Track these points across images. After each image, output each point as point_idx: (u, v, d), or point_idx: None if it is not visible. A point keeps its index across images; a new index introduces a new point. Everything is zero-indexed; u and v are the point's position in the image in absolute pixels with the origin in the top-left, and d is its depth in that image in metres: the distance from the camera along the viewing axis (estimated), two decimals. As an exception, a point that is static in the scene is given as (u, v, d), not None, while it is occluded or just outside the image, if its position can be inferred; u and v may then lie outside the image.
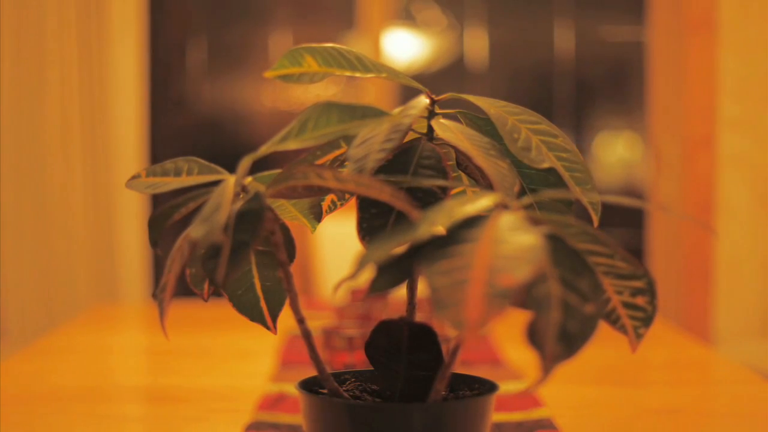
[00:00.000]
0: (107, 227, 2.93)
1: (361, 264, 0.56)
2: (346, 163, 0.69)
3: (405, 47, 3.34)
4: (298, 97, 3.31)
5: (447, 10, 3.34)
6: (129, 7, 2.93)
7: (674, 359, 1.40)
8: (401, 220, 0.63)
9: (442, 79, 3.35)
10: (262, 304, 0.72)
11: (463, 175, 0.74)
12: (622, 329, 0.64)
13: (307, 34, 3.32)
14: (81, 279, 2.90)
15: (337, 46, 0.72)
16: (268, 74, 0.71)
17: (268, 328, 0.73)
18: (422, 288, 0.68)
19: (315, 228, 0.75)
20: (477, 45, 3.31)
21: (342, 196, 0.73)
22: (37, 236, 2.88)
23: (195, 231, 0.59)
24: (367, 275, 0.58)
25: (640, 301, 0.62)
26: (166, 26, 3.25)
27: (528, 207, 0.69)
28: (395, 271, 0.57)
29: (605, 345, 1.05)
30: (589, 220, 0.68)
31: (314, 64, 0.71)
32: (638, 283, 0.62)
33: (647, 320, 0.64)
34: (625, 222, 3.30)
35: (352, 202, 0.67)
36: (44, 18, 2.86)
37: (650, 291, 0.62)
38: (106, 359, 1.45)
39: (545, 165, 0.66)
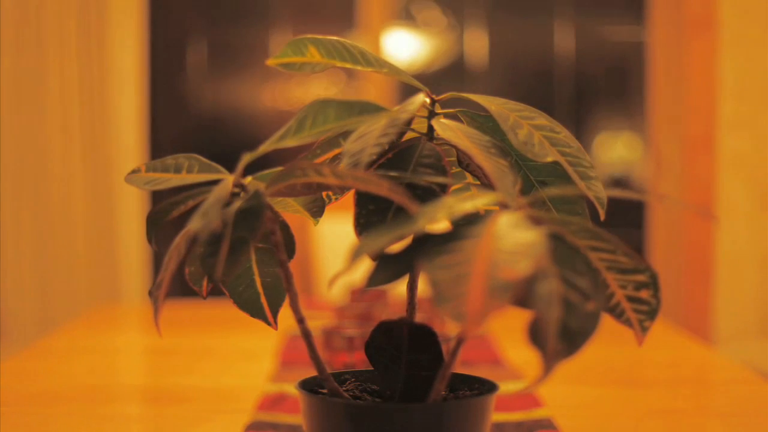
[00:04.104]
0: (107, 228, 2.93)
1: (355, 255, 0.56)
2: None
3: (405, 47, 3.34)
4: (298, 96, 3.31)
5: (447, 10, 3.34)
6: (129, 7, 2.93)
7: (674, 359, 1.40)
8: (399, 216, 0.63)
9: (442, 79, 3.35)
10: (263, 300, 0.72)
11: (467, 174, 0.73)
12: (627, 323, 0.64)
13: (307, 33, 3.31)
14: (81, 279, 2.90)
15: (341, 39, 0.72)
16: (271, 62, 0.71)
17: (269, 323, 0.73)
18: (422, 288, 0.68)
19: (317, 221, 0.74)
20: (477, 45, 3.31)
21: (339, 191, 0.73)
22: (37, 236, 2.88)
23: (194, 224, 0.59)
24: (367, 271, 0.58)
25: (644, 294, 0.62)
26: (166, 26, 3.25)
27: (536, 202, 0.69)
28: (394, 266, 0.57)
29: (605, 345, 1.04)
30: (594, 215, 0.68)
31: (317, 54, 0.71)
32: (641, 277, 0.62)
33: (652, 313, 0.64)
34: (626, 222, 3.30)
35: (351, 199, 0.67)
36: (44, 18, 2.86)
37: (653, 284, 0.62)
38: (106, 359, 1.45)
39: (549, 159, 0.66)
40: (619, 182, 3.44)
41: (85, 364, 1.37)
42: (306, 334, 0.69)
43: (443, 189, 0.65)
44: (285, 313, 0.72)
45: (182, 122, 3.30)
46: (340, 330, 1.19)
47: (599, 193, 0.67)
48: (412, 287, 0.72)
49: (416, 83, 0.71)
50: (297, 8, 3.35)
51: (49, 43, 2.86)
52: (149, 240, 0.70)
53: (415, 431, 0.65)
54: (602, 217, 0.68)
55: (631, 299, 0.63)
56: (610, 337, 1.03)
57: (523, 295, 0.52)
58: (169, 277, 0.63)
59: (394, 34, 3.26)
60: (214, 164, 0.70)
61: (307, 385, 0.72)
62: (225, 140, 3.30)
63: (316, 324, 1.19)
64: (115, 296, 2.93)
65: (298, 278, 2.21)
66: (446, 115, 0.70)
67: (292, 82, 3.30)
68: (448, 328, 1.33)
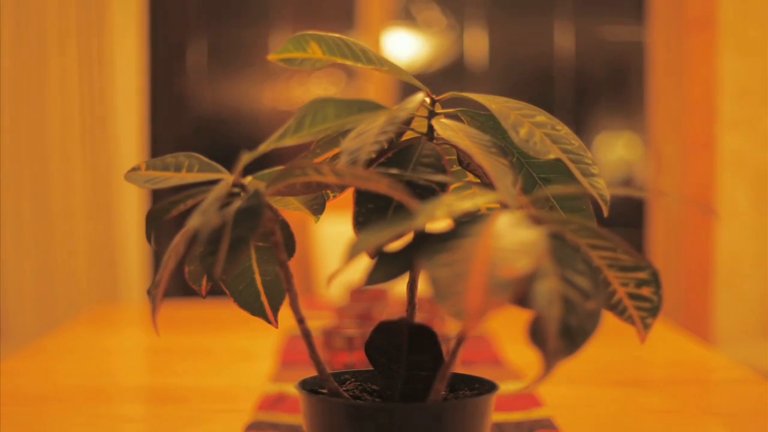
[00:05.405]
0: (107, 228, 2.92)
1: (353, 251, 0.55)
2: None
3: (405, 47, 3.34)
4: (298, 96, 3.31)
5: (447, 10, 3.34)
6: (129, 7, 2.93)
7: (674, 359, 1.40)
8: (399, 214, 0.63)
9: (442, 79, 3.35)
10: (263, 298, 0.72)
11: (468, 173, 0.73)
12: (630, 320, 0.65)
13: (307, 34, 3.31)
14: (81, 279, 2.90)
15: (343, 36, 0.72)
16: (272, 57, 0.71)
17: (269, 321, 0.73)
18: (423, 287, 0.67)
19: (318, 218, 0.74)
20: (477, 45, 3.30)
21: (339, 189, 0.72)
22: (37, 236, 2.88)
23: (194, 221, 0.59)
24: (366, 269, 0.58)
25: (645, 291, 0.63)
26: (166, 26, 3.25)
27: (539, 199, 0.69)
28: (393, 264, 0.57)
29: (605, 345, 1.04)
30: (597, 212, 0.68)
31: (318, 51, 0.71)
32: (642, 275, 0.62)
33: (654, 310, 0.64)
34: (626, 222, 3.30)
35: (351, 198, 0.67)
36: (44, 18, 2.86)
37: (655, 281, 0.62)
38: (106, 359, 1.45)
39: (551, 156, 0.66)
40: (627, 183, 3.44)
41: (84, 363, 1.37)
42: (306, 334, 0.69)
43: (443, 188, 0.65)
44: (285, 313, 0.72)
45: (182, 122, 3.30)
46: (340, 330, 1.19)
47: (602, 190, 0.67)
48: (412, 287, 0.71)
49: (416, 82, 0.71)
50: (297, 8, 3.34)
51: (49, 44, 2.86)
52: (148, 239, 0.70)
53: (415, 431, 0.65)
54: (606, 213, 0.68)
55: (633, 296, 0.63)
56: (610, 337, 1.03)
57: (523, 294, 0.52)
58: (167, 276, 0.63)
59: (394, 34, 3.26)
60: (213, 163, 0.70)
61: (307, 385, 0.71)
62: (225, 140, 3.30)
63: (316, 324, 1.19)
64: (115, 295, 2.92)
65: (298, 278, 2.21)
66: (446, 115, 0.70)
67: (292, 82, 3.30)
68: (448, 328, 1.33)
